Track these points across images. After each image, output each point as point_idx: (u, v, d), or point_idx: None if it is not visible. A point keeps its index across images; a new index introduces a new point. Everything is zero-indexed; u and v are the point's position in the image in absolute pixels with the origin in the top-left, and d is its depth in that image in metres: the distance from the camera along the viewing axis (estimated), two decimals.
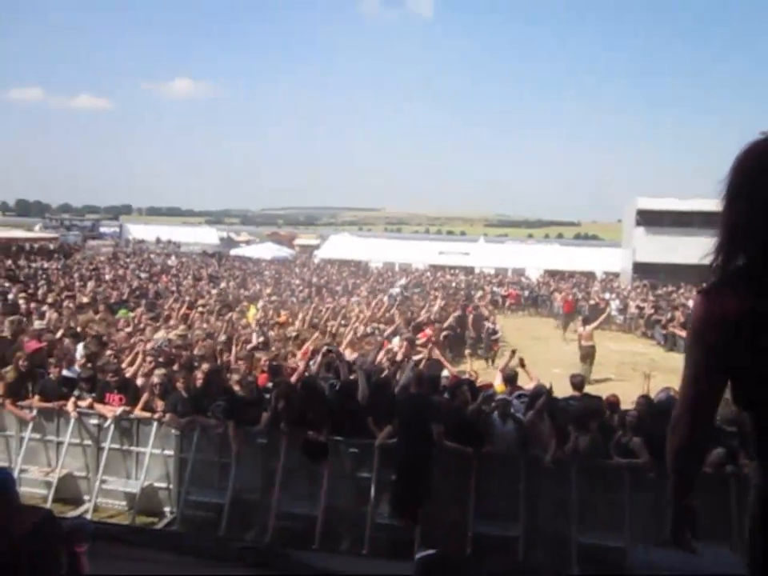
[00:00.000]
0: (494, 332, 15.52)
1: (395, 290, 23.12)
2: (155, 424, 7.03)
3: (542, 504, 6.35)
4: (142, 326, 11.06)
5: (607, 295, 26.56)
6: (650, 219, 32.14)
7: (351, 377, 7.71)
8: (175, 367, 7.88)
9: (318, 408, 6.84)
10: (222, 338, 9.89)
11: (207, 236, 54.19)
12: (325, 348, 9.09)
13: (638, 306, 23.76)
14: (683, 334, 15.64)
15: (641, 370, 16.31)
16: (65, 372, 7.68)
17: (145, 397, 7.17)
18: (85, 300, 14.89)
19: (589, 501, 6.28)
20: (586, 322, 16.87)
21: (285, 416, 6.72)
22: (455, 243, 51.33)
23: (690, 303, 23.29)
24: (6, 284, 17.66)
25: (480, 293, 26.34)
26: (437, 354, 9.82)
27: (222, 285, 21.80)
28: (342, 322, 12.51)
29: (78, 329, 10.10)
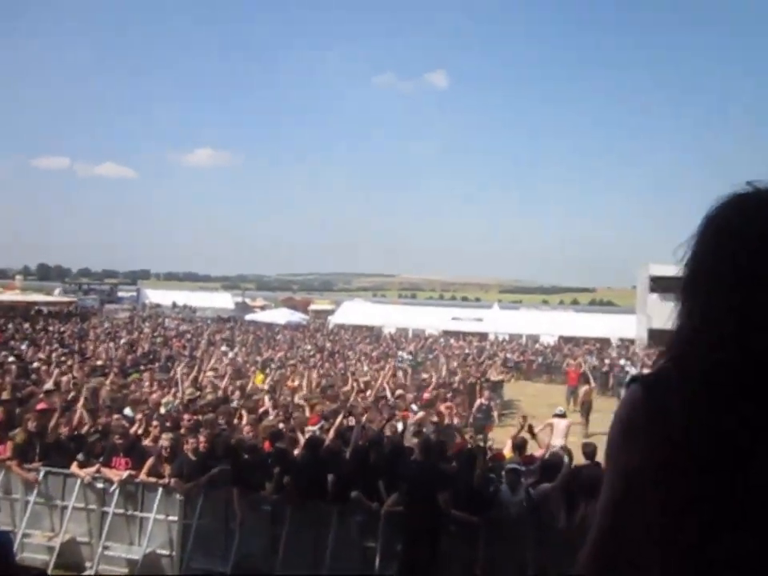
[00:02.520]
0: (487, 410, 14.02)
1: (404, 355, 23.10)
2: (160, 489, 6.98)
3: (551, 573, 6.18)
4: (151, 389, 11.12)
5: (622, 362, 26.31)
6: (664, 285, 32.07)
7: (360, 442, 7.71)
8: (182, 431, 7.89)
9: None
10: (234, 403, 9.92)
11: (223, 301, 54.70)
12: (344, 412, 9.15)
13: None
14: None
15: None
16: None
17: (151, 461, 7.15)
18: (98, 363, 15.04)
19: None
20: (587, 381, 18.73)
21: (288, 483, 6.68)
22: (469, 309, 51.46)
23: None
24: (23, 347, 17.90)
25: (493, 360, 26.17)
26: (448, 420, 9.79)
27: (235, 349, 21.90)
28: (353, 386, 12.54)
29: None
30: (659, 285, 32.47)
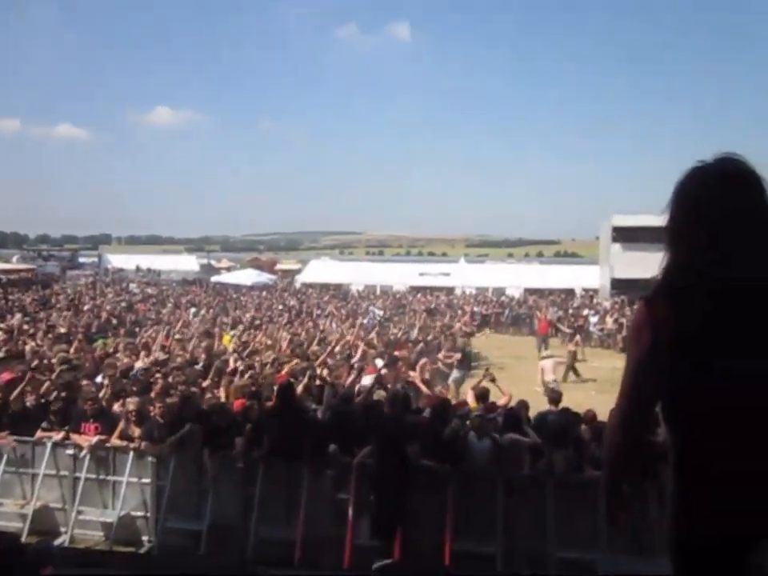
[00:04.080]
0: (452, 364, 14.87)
1: (376, 311, 23.12)
2: (131, 452, 7.00)
3: (519, 519, 6.39)
4: (118, 354, 11.03)
5: (586, 311, 26.80)
6: (626, 236, 32.52)
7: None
8: (152, 394, 7.88)
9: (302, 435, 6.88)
10: (200, 365, 9.89)
11: (187, 263, 53.87)
12: (308, 373, 9.17)
13: (616, 321, 24.01)
14: None
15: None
16: None
17: (121, 425, 7.14)
18: (62, 330, 14.81)
19: (565, 514, 6.34)
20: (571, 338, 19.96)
21: (261, 442, 6.75)
22: (435, 264, 51.42)
23: None
24: None
25: (461, 314, 26.41)
26: (413, 375, 9.93)
27: (202, 311, 21.73)
28: (323, 344, 12.60)
29: (54, 359, 10.03)
30: (621, 235, 32.89)
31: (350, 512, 6.46)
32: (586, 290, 36.49)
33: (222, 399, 8.09)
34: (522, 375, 16.74)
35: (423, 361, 11.43)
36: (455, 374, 13.56)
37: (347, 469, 6.63)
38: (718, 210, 1.62)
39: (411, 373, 10.17)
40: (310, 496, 6.63)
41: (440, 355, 14.40)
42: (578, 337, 20.12)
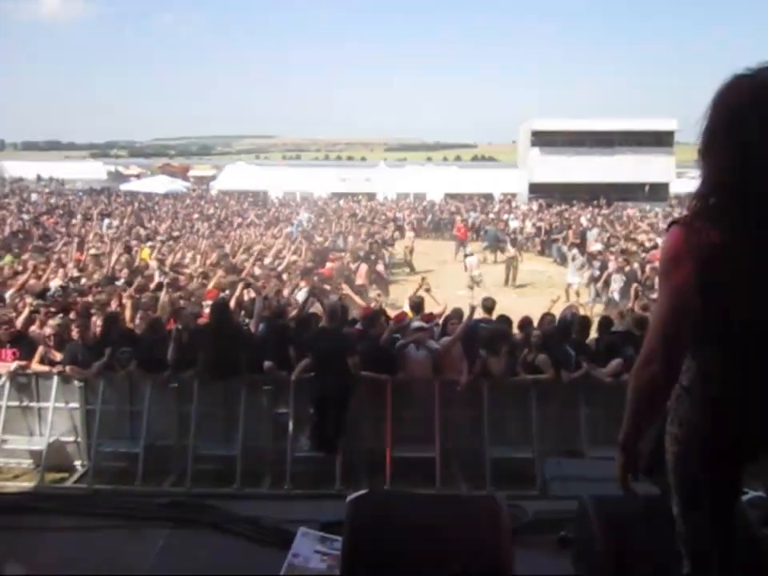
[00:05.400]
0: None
1: (303, 217, 22.63)
2: (56, 377, 6.66)
3: (456, 424, 6.59)
4: (28, 273, 10.32)
5: (506, 216, 27.23)
6: (544, 140, 32.83)
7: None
8: (71, 315, 7.44)
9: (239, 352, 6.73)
10: (121, 281, 9.42)
11: (93, 171, 50.65)
12: (243, 283, 8.89)
13: (534, 225, 24.55)
14: (576, 249, 16.75)
15: (540, 287, 17.14)
16: None
17: (41, 350, 6.75)
18: None
19: (499, 417, 6.58)
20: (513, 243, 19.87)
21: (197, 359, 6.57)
22: (356, 169, 50.58)
23: (583, 220, 24.30)
24: None
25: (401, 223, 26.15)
26: (345, 288, 9.86)
27: (115, 223, 20.66)
28: (249, 255, 12.27)
29: None
30: (540, 139, 33.18)
31: (290, 425, 6.47)
32: (504, 195, 36.99)
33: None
34: (445, 280, 17.03)
35: (365, 267, 11.43)
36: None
37: (284, 383, 6.58)
38: (759, 120, 1.50)
39: (343, 285, 10.08)
40: (249, 412, 6.57)
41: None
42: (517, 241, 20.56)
